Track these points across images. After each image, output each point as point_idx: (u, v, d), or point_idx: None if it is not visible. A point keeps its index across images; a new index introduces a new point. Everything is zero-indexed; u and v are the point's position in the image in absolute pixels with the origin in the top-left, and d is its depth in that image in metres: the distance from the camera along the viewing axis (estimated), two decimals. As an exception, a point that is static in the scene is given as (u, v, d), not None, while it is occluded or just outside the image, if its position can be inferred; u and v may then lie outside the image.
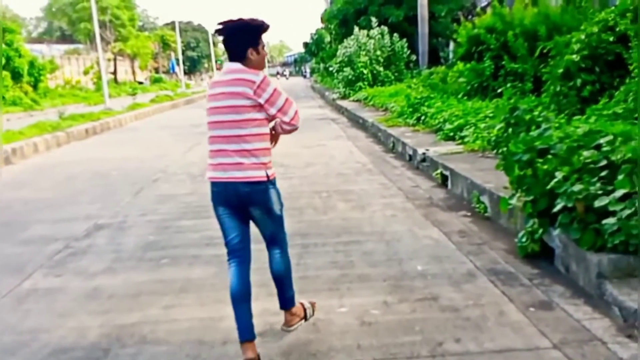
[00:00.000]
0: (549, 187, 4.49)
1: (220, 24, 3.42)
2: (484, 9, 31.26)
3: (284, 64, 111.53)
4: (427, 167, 8.98)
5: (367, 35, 26.33)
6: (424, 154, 9.22)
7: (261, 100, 3.32)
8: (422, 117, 12.68)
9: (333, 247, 5.57)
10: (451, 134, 10.31)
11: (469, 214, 6.50)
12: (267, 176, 3.42)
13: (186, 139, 15.67)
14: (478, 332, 3.68)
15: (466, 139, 9.54)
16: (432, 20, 30.01)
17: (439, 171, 8.12)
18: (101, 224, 6.90)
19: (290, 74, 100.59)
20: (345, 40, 28.30)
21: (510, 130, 5.03)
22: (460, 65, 14.30)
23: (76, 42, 68.16)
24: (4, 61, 33.76)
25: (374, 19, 27.07)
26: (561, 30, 12.17)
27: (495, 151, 7.32)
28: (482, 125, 9.65)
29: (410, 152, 10.10)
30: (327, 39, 52.60)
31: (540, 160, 4.85)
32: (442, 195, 7.47)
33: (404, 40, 26.77)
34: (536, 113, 5.16)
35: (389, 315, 3.99)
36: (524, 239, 4.82)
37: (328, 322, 3.94)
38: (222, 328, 3.93)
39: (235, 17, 3.48)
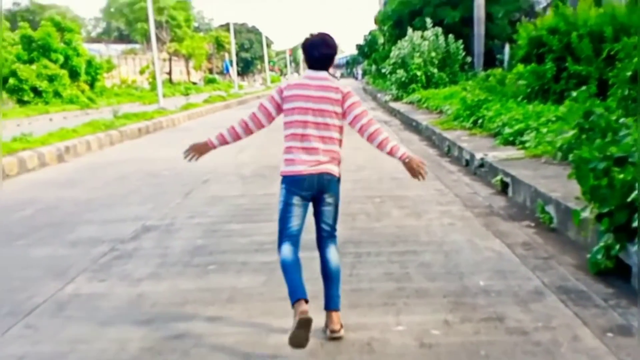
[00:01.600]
0: (628, 199, 4.09)
1: (316, 37, 3.79)
2: (544, 10, 30.51)
3: (336, 66, 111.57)
4: (485, 173, 8.58)
5: (422, 36, 25.87)
6: (482, 159, 8.83)
7: (346, 105, 3.69)
8: (479, 121, 12.24)
9: (387, 257, 5.26)
10: (511, 138, 9.86)
11: (532, 224, 6.10)
12: (339, 173, 3.82)
13: (237, 139, 15.54)
14: (551, 360, 3.33)
15: (527, 144, 9.10)
16: (489, 22, 29.37)
17: (498, 178, 7.72)
18: (149, 226, 6.74)
19: (342, 75, 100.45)
20: (399, 41, 27.87)
21: (583, 136, 4.65)
22: (520, 67, 13.77)
23: (133, 42, 69.40)
24: (62, 60, 34.55)
25: (428, 20, 26.57)
26: (629, 31, 11.57)
27: (564, 158, 6.87)
28: (544, 130, 9.20)
29: (467, 157, 9.70)
30: (381, 40, 52.12)
31: (618, 169, 4.45)
32: (502, 204, 7.07)
33: (460, 41, 26.19)
34: (613, 118, 4.75)
35: (451, 336, 3.66)
36: (598, 255, 4.42)
37: (384, 342, 3.63)
38: (270, 344, 3.68)
39: (314, 31, 3.84)
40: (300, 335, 3.42)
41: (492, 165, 8.27)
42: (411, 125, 17.10)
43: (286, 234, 3.81)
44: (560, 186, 6.32)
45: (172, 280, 4.95)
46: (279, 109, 3.85)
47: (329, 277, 3.88)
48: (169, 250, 5.79)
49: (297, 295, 3.62)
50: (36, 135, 13.73)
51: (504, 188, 7.59)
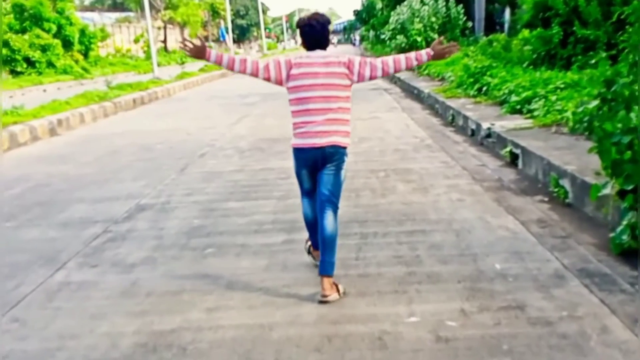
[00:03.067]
0: (656, 175, 3.78)
1: (310, 19, 4.00)
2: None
3: (333, 32, 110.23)
4: (492, 144, 8.25)
5: (421, 1, 25.31)
6: (489, 128, 8.50)
7: (355, 71, 3.92)
8: (484, 88, 11.87)
9: (395, 237, 4.96)
10: (518, 106, 9.51)
11: (546, 199, 5.80)
12: (347, 144, 4.04)
13: (234, 110, 15.21)
14: (580, 356, 3.05)
15: (535, 113, 8.76)
16: (489, -15, 28.72)
17: (508, 149, 7.40)
18: (143, 205, 6.44)
19: (339, 41, 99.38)
20: (398, 6, 27.31)
21: (605, 107, 4.34)
22: (525, 32, 13.35)
23: (127, 10, 68.30)
24: (55, 29, 33.92)
25: (428, -16, 25.95)
26: (639, -7, 11.14)
27: (585, 131, 6.55)
28: (553, 98, 8.86)
29: (473, 127, 9.36)
30: (379, 5, 51.30)
31: (643, 143, 4.14)
32: (512, 177, 6.76)
33: (460, 6, 25.62)
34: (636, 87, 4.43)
35: (470, 328, 3.37)
36: (623, 236, 4.12)
37: (396, 336, 3.34)
38: (273, 339, 3.39)
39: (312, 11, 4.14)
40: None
41: (500, 136, 7.94)
42: (412, 93, 16.72)
43: (303, 191, 4.25)
44: (574, 158, 6.01)
45: (168, 265, 4.66)
46: (279, 81, 3.99)
47: (323, 243, 3.96)
48: (164, 232, 5.49)
49: (317, 245, 4.11)
50: (28, 108, 13.36)
51: (513, 160, 7.28)
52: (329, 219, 3.96)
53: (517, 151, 7.15)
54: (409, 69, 4.16)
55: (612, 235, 4.33)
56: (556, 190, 5.76)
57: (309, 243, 4.37)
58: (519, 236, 4.82)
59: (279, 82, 3.99)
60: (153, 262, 4.73)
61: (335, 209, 4.01)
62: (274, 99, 17.38)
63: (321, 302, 3.81)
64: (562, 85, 9.52)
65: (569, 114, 7.80)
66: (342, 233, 5.02)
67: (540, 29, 12.72)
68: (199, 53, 4.01)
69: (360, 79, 3.95)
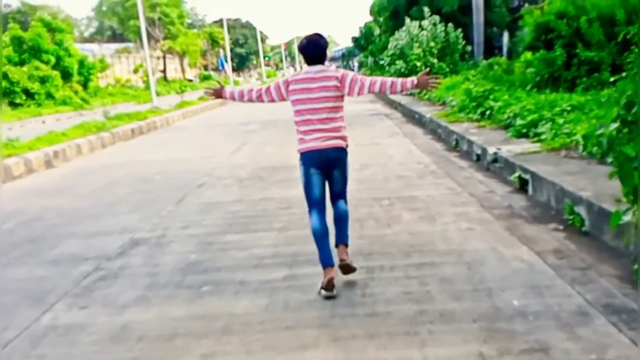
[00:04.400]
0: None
1: (309, 37, 4.49)
2: (543, -4, 29.90)
3: (332, 59, 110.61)
4: (500, 169, 7.99)
5: (420, 26, 25.24)
6: (495, 153, 8.23)
7: (346, 85, 4.40)
8: (487, 112, 11.64)
9: (403, 271, 4.67)
10: (524, 130, 9.26)
11: (561, 227, 5.50)
12: (346, 145, 4.54)
13: (234, 138, 15.00)
14: (616, 407, 2.75)
15: (543, 137, 8.50)
16: (487, 9, 28.74)
17: (516, 174, 7.12)
18: (138, 239, 6.15)
19: (338, 68, 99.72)
20: (396, 32, 27.26)
21: (625, 129, 4.09)
22: (527, 55, 13.16)
23: (127, 41, 68.61)
24: (53, 61, 33.89)
25: (426, 9, 25.91)
26: (642, 14, 10.98)
27: (604, 155, 6.28)
28: (561, 120, 8.62)
29: (479, 151, 9.10)
30: (376, 32, 51.43)
31: (667, 168, 3.86)
32: (523, 203, 6.47)
33: (459, 30, 25.55)
34: None
35: (490, 376, 3.08)
36: (649, 268, 3.83)
37: (410, 385, 3.05)
38: (274, 391, 3.09)
39: (310, 33, 4.57)
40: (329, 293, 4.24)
41: (507, 161, 7.67)
42: (414, 117, 16.50)
43: (311, 202, 4.52)
44: (588, 184, 5.74)
45: (161, 305, 4.37)
46: (282, 99, 4.59)
47: (338, 219, 4.60)
48: (158, 269, 5.19)
49: (327, 262, 4.38)
50: (24, 140, 13.15)
51: (522, 185, 7.00)
52: (341, 205, 4.66)
53: (527, 177, 6.88)
54: (394, 93, 4.50)
55: (636, 267, 4.04)
56: (571, 217, 5.47)
57: (323, 279, 4.36)
58: (535, 268, 4.52)
59: (282, 99, 4.59)
60: (146, 303, 4.44)
61: (345, 198, 4.72)
62: (274, 126, 17.21)
63: (340, 265, 4.41)
64: (569, 108, 9.28)
65: (578, 137, 7.56)
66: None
67: (543, 51, 12.53)
68: (217, 93, 4.81)
69: (350, 93, 4.42)
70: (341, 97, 4.44)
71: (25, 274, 5.35)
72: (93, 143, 14.65)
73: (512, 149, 8.23)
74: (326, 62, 4.55)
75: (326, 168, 4.48)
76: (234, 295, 4.44)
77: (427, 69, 4.68)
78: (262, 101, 4.66)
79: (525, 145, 8.38)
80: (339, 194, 4.66)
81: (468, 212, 6.24)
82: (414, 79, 4.48)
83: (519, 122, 9.61)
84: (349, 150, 4.61)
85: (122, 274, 5.14)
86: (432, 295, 4.14)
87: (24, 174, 11.13)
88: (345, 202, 4.71)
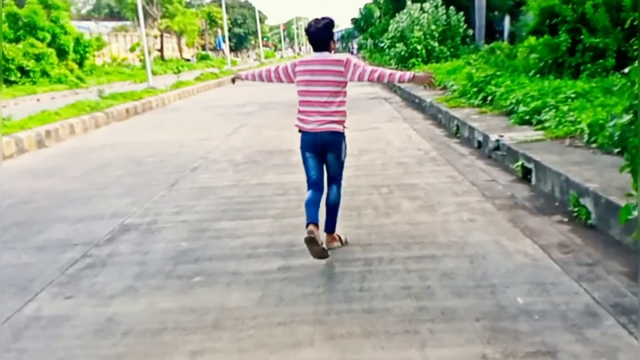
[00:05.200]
0: None
1: (315, 22, 4.59)
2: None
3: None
4: (502, 157, 7.79)
5: (421, 9, 24.92)
6: (497, 141, 8.03)
7: (349, 69, 4.52)
8: (489, 98, 11.43)
9: (403, 264, 4.48)
10: (527, 117, 9.05)
11: (565, 219, 5.31)
12: (343, 129, 4.65)
13: (230, 120, 14.78)
14: (630, 420, 2.58)
15: (546, 124, 8.30)
16: (489, -7, 28.37)
17: (519, 163, 6.93)
18: (128, 225, 5.96)
19: (337, 50, 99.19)
20: (397, 14, 26.94)
21: (638, 122, 3.88)
22: (531, 40, 12.91)
23: (124, 19, 68.00)
24: (49, 38, 33.49)
25: (428, -9, 25.58)
26: (649, -1, 10.73)
27: (616, 147, 6.08)
28: (565, 108, 8.40)
29: (480, 138, 8.90)
30: (377, 13, 51.06)
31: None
32: (526, 193, 6.28)
33: (461, 13, 25.23)
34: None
35: (495, 382, 2.90)
36: (663, 267, 3.64)
37: (410, 390, 2.87)
38: (265, 394, 2.91)
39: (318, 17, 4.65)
40: (313, 250, 4.34)
41: (510, 149, 7.48)
42: (413, 102, 16.27)
43: (309, 183, 4.71)
44: (595, 175, 5.54)
45: (150, 296, 4.18)
46: (290, 81, 4.77)
47: (328, 207, 4.82)
48: (148, 257, 5.00)
49: (309, 220, 4.45)
50: (16, 119, 12.90)
51: (525, 175, 6.81)
52: (333, 191, 4.81)
53: (530, 165, 6.69)
54: (390, 82, 4.92)
55: (646, 264, 3.86)
56: (576, 210, 5.28)
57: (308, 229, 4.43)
58: (540, 263, 4.34)
59: (290, 82, 4.77)
60: (134, 293, 4.25)
61: (338, 184, 4.85)
62: (272, 108, 16.99)
63: (316, 249, 4.35)
64: (573, 95, 9.08)
65: (583, 125, 7.36)
66: (344, 259, 4.60)
67: (547, 36, 12.28)
68: (238, 78, 5.26)
69: (352, 79, 4.54)
70: (344, 83, 4.55)
71: (10, 260, 5.15)
72: (86, 123, 14.40)
73: (514, 136, 8.03)
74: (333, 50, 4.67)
75: (321, 151, 4.64)
76: (226, 287, 4.25)
77: (430, 74, 4.88)
78: (272, 81, 4.86)
79: (529, 133, 8.19)
80: (332, 178, 4.80)
81: (469, 202, 6.05)
82: (412, 73, 4.67)
83: (521, 108, 9.40)
84: (347, 134, 4.73)
85: (111, 261, 4.95)
86: (433, 291, 3.95)
87: (15, 154, 10.91)
88: (338, 187, 4.85)
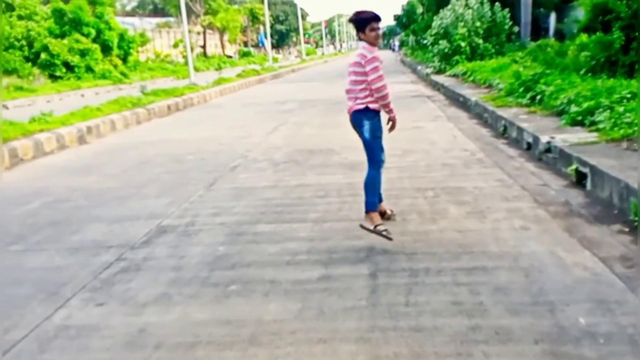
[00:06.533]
0: None
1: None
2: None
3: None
4: (553, 160, 7.41)
5: (466, 5, 24.37)
6: (549, 142, 7.65)
7: (366, 70, 5.01)
8: (538, 97, 10.98)
9: (452, 276, 4.19)
10: (579, 118, 8.62)
11: (626, 229, 4.96)
12: (365, 109, 5.07)
13: (270, 117, 14.60)
14: None
15: (601, 126, 7.88)
16: (536, -11, 27.68)
17: (573, 167, 6.56)
18: (165, 226, 5.79)
19: (379, 47, 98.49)
20: (441, 10, 26.41)
21: None
22: (583, 37, 12.41)
23: (168, 15, 68.62)
24: (94, 34, 33.86)
25: (473, -13, 24.99)
26: None
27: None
28: (621, 109, 7.96)
29: (529, 139, 8.52)
30: (420, 10, 50.49)
31: None
32: (581, 200, 5.92)
33: (506, 10, 24.60)
34: None
35: (559, 417, 2.61)
36: None
37: None
38: (304, 422, 2.67)
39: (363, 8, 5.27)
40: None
41: (562, 151, 7.10)
42: (457, 100, 15.84)
43: None
44: (658, 182, 5.17)
45: (184, 305, 3.98)
46: None
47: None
48: (184, 261, 4.81)
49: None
50: (58, 114, 12.94)
51: (579, 179, 6.44)
52: (367, 171, 5.19)
53: (585, 170, 6.32)
54: (378, 100, 5.07)
55: None
56: (638, 219, 4.92)
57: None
58: (601, 279, 4.01)
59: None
60: (167, 301, 4.06)
61: (370, 164, 5.18)
62: (312, 105, 16.79)
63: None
64: (629, 95, 8.60)
65: (642, 127, 6.95)
66: (388, 268, 4.36)
67: (600, 33, 11.77)
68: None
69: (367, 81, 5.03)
70: (363, 73, 5.02)
71: (43, 262, 5.02)
72: (128, 119, 14.39)
73: (567, 138, 7.64)
74: (361, 41, 5.14)
75: (354, 128, 5.22)
76: (263, 297, 4.03)
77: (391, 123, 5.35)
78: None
79: (582, 135, 7.79)
80: (367, 157, 5.24)
81: (521, 208, 5.71)
82: (394, 115, 5.28)
83: (573, 108, 8.97)
84: (386, 132, 5.27)
85: (146, 266, 4.77)
86: (486, 308, 3.66)
87: (55, 150, 10.90)
88: (369, 168, 5.18)
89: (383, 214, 5.41)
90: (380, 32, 5.29)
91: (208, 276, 4.46)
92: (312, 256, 4.75)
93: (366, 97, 5.05)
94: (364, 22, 5.05)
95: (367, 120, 5.04)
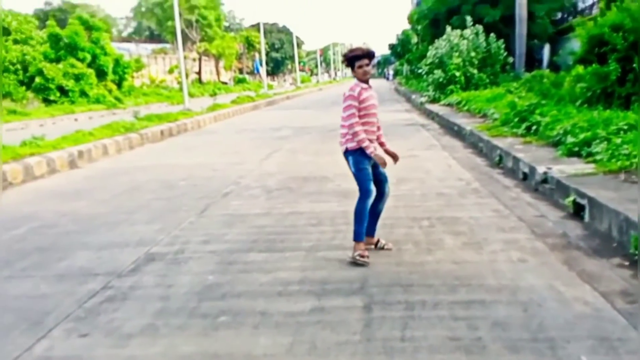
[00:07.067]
0: None
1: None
2: (590, 9, 28.96)
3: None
4: (550, 191, 7.33)
5: (461, 35, 24.52)
6: (545, 173, 7.57)
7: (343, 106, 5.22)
8: (534, 127, 10.95)
9: (449, 309, 4.06)
10: (576, 149, 8.56)
11: (626, 263, 4.84)
12: (347, 149, 5.22)
13: (264, 144, 14.51)
14: None
15: (598, 157, 7.81)
16: (529, 21, 27.93)
17: (571, 198, 6.47)
18: (154, 254, 5.64)
19: (373, 76, 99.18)
20: (436, 40, 26.56)
21: None
22: (579, 69, 12.41)
23: (164, 42, 68.91)
24: (89, 59, 33.93)
25: (468, 18, 25.18)
26: None
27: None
28: (618, 140, 7.90)
29: (525, 170, 8.44)
30: (414, 39, 50.83)
31: None
32: (579, 232, 5.81)
33: (501, 41, 24.76)
34: None
35: None
36: None
37: None
38: None
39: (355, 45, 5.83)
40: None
41: (559, 182, 7.01)
42: (452, 129, 15.81)
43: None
44: (658, 215, 5.07)
45: (171, 338, 3.83)
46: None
47: None
48: (172, 291, 4.67)
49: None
50: (50, 138, 12.82)
51: (577, 211, 6.34)
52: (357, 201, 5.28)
53: (583, 202, 6.22)
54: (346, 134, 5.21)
55: None
56: (638, 253, 4.81)
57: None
58: (603, 314, 3.88)
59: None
60: (153, 333, 3.90)
61: (359, 194, 5.26)
62: (307, 132, 16.72)
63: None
64: (625, 127, 8.56)
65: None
66: (383, 301, 4.22)
67: (596, 65, 11.77)
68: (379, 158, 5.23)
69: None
70: (345, 108, 5.17)
71: (27, 289, 4.86)
72: (120, 144, 14.27)
73: (563, 168, 7.56)
74: (354, 77, 5.29)
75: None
76: (253, 330, 3.88)
77: (384, 161, 5.27)
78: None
79: (579, 166, 7.71)
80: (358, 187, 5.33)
81: (518, 240, 5.60)
82: (372, 150, 5.15)
83: (570, 139, 8.92)
84: (353, 150, 5.20)
85: (132, 295, 4.62)
86: (485, 344, 3.52)
87: (46, 174, 10.77)
88: (360, 197, 5.25)
89: (376, 244, 5.47)
90: (370, 67, 5.31)
91: (196, 307, 4.32)
92: (304, 286, 4.61)
93: (345, 135, 5.22)
94: (353, 59, 5.20)
95: (350, 156, 5.21)
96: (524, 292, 4.31)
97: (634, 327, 3.67)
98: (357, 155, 5.17)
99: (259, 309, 4.21)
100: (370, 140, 5.17)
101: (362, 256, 5.06)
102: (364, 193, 5.20)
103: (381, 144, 5.50)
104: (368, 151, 5.10)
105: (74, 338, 3.90)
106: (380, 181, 5.36)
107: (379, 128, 5.39)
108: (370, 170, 5.22)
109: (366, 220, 5.21)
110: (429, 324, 3.83)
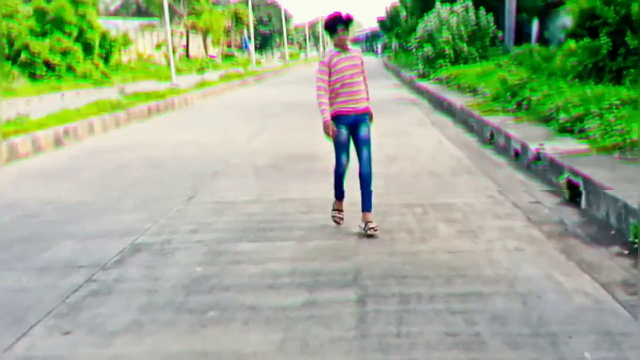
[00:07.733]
0: None
1: None
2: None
3: (355, 41, 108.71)
4: (543, 170, 7.20)
5: (450, 10, 24.20)
6: (538, 152, 7.44)
7: None
8: (525, 103, 10.79)
9: (445, 302, 3.93)
10: (568, 125, 8.44)
11: (625, 251, 4.71)
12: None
13: (253, 121, 14.34)
14: None
15: (591, 134, 7.68)
16: (519, -5, 27.52)
17: (564, 176, 6.33)
18: (140, 244, 5.46)
19: (362, 50, 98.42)
20: (425, 15, 26.22)
21: None
22: (571, 43, 12.23)
23: (152, 17, 67.91)
24: (76, 33, 33.35)
25: (458, -7, 24.84)
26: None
27: None
28: (611, 117, 7.78)
29: (517, 147, 8.30)
30: (403, 14, 50.30)
31: None
32: (576, 219, 5.66)
33: (490, 14, 24.47)
34: None
35: None
36: None
37: None
38: None
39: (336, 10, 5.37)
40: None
41: (553, 161, 6.88)
42: (442, 105, 15.64)
43: None
44: (657, 198, 4.94)
45: (157, 335, 3.67)
46: None
47: None
48: (159, 284, 4.50)
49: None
50: (35, 117, 12.54)
51: (571, 193, 6.22)
52: None
53: (578, 180, 6.08)
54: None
55: None
56: (637, 241, 4.68)
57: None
58: (604, 306, 3.76)
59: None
60: (139, 330, 3.75)
61: None
62: (295, 109, 16.53)
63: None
64: (618, 102, 8.40)
65: (634, 136, 6.76)
66: (377, 293, 4.08)
67: (587, 39, 11.59)
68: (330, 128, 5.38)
69: None
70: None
71: (8, 283, 4.67)
72: (107, 122, 14.02)
73: (557, 147, 7.45)
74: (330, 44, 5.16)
75: None
76: (242, 326, 3.73)
77: (332, 129, 5.37)
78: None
79: (572, 143, 7.60)
80: None
81: (514, 227, 5.46)
82: (326, 117, 5.33)
83: (562, 116, 8.78)
84: (373, 139, 5.51)
85: (117, 288, 4.46)
86: (483, 340, 3.40)
87: (30, 153, 10.53)
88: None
89: (366, 224, 5.42)
90: (345, 34, 5.30)
91: (184, 301, 4.16)
92: (295, 279, 4.46)
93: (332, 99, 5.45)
94: (331, 26, 5.27)
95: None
96: (522, 283, 4.19)
97: (636, 319, 3.56)
98: (335, 123, 5.36)
99: (249, 303, 4.06)
100: (348, 105, 5.35)
101: (334, 216, 5.70)
102: (335, 162, 5.56)
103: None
104: (322, 118, 5.30)
105: (56, 336, 3.74)
106: (359, 146, 5.45)
107: (367, 92, 5.51)
108: (344, 137, 5.40)
109: (340, 185, 5.63)
110: (425, 319, 3.70)
